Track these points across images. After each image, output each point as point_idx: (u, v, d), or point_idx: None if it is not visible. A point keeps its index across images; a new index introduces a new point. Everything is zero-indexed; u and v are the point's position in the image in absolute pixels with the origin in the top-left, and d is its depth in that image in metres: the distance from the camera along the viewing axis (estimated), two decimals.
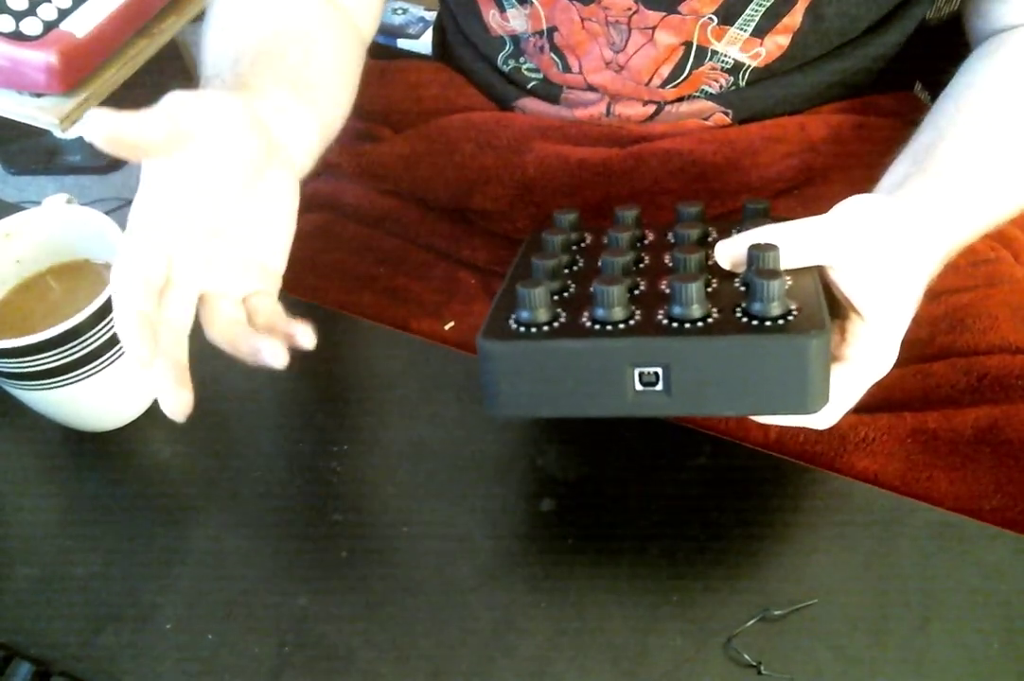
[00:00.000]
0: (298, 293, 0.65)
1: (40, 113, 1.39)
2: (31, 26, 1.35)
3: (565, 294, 0.47)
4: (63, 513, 0.56)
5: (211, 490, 0.55)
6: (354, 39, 0.68)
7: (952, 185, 0.53)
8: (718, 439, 0.55)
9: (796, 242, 0.46)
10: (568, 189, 0.70)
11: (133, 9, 1.41)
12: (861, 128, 0.70)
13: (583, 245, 0.54)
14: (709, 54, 0.66)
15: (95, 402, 0.55)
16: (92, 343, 0.51)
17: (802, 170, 0.69)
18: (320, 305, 0.63)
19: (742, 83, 0.68)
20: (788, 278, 0.45)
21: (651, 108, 0.70)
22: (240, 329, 0.46)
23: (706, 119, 0.70)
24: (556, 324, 0.44)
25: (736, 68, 0.67)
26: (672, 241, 0.51)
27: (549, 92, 0.73)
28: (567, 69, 0.70)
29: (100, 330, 0.51)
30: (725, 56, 0.66)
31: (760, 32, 0.64)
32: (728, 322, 0.42)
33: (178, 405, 0.43)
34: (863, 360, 0.48)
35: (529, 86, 0.74)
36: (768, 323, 0.42)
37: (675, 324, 0.43)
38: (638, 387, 0.43)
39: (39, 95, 1.40)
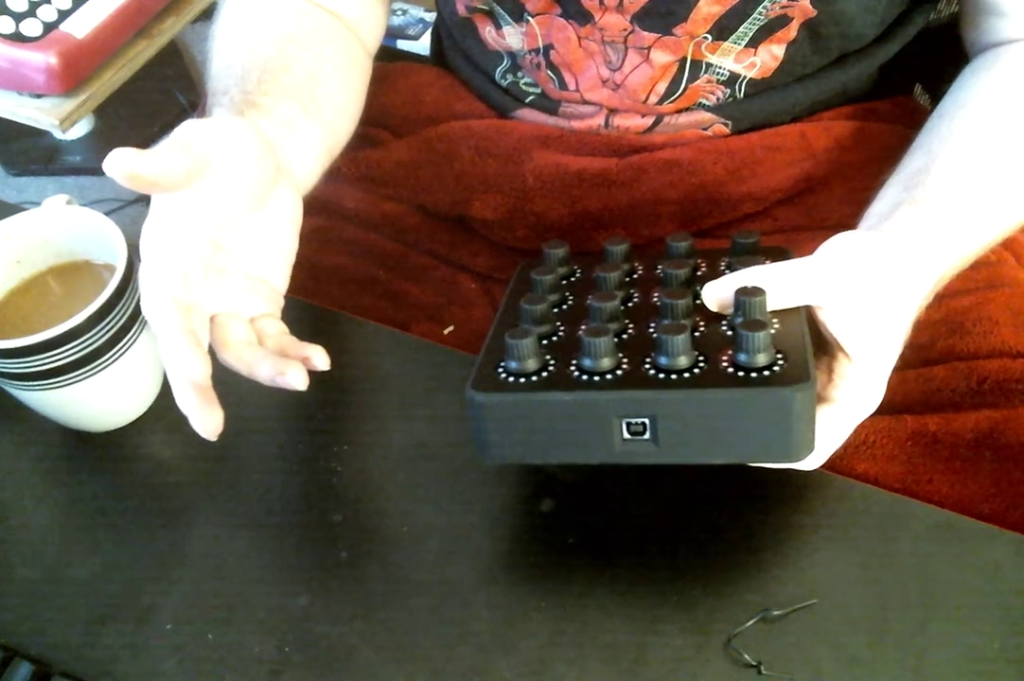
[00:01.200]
0: (297, 293, 0.64)
1: (40, 114, 1.39)
2: (31, 27, 1.35)
3: (554, 338, 0.48)
4: (63, 513, 0.56)
5: (211, 490, 0.55)
6: (359, 52, 0.68)
7: (941, 216, 0.53)
8: None
9: (782, 284, 0.46)
10: (567, 199, 0.70)
11: (133, 10, 1.42)
12: (861, 135, 0.70)
13: (573, 280, 0.54)
14: (704, 67, 0.66)
15: (95, 402, 0.55)
16: (92, 344, 0.51)
17: (802, 179, 0.69)
18: (319, 305, 0.63)
19: (740, 95, 0.68)
20: (775, 322, 0.45)
21: (650, 120, 0.70)
22: (255, 352, 0.47)
23: (705, 130, 0.70)
24: (544, 374, 0.45)
25: (732, 80, 0.67)
26: (661, 277, 0.51)
27: (547, 106, 0.73)
28: (564, 86, 0.70)
29: (100, 331, 0.51)
30: (720, 68, 0.66)
31: (754, 43, 0.64)
32: (714, 373, 0.43)
33: (210, 424, 0.44)
34: (849, 400, 0.48)
35: (527, 100, 0.73)
36: (753, 375, 0.42)
37: (661, 375, 0.43)
38: (626, 436, 0.44)
39: (39, 96, 1.40)
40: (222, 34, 0.64)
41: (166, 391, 0.59)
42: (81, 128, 1.85)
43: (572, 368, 0.44)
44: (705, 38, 0.63)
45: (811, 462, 0.50)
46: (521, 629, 0.48)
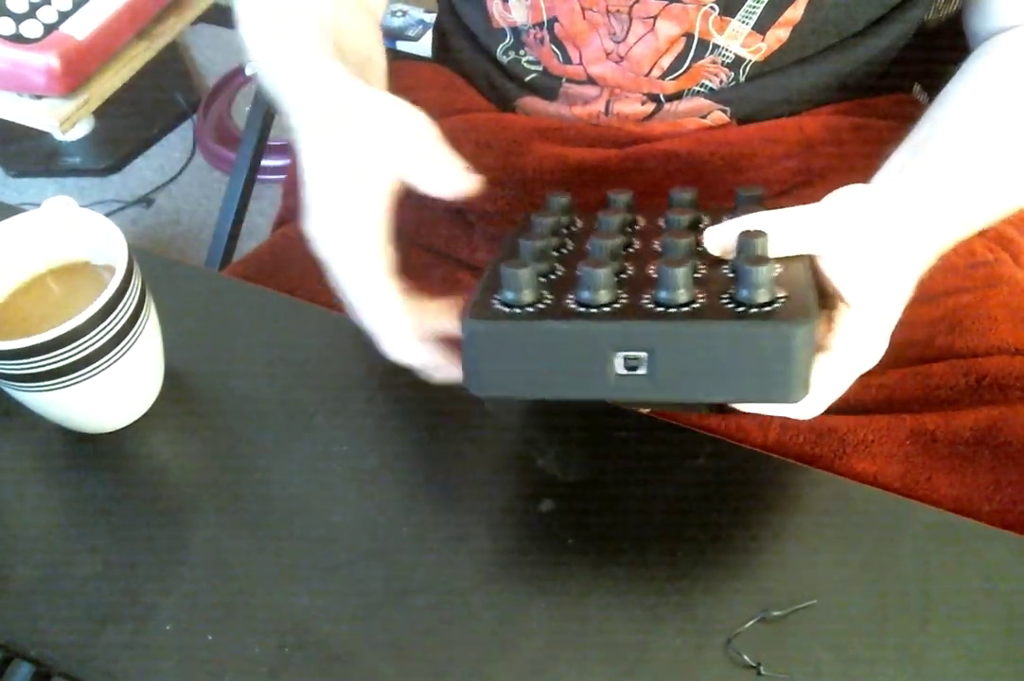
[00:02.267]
0: (298, 293, 0.65)
1: (40, 115, 1.39)
2: (31, 28, 1.35)
3: (552, 276, 0.47)
4: (63, 513, 0.56)
5: (211, 490, 0.55)
6: (372, 21, 0.69)
7: (948, 176, 0.53)
8: (718, 440, 0.55)
9: (786, 229, 0.46)
10: (567, 190, 0.70)
11: (133, 11, 1.42)
12: (860, 130, 0.70)
13: (573, 229, 0.54)
14: (710, 48, 0.66)
15: (95, 404, 0.55)
16: (92, 345, 0.51)
17: (800, 171, 0.69)
18: (319, 305, 0.63)
19: (742, 78, 0.68)
20: (777, 266, 0.45)
21: (650, 107, 0.70)
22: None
23: (704, 117, 0.71)
24: (541, 305, 0.44)
25: (737, 63, 0.67)
26: (663, 226, 0.51)
27: (547, 85, 0.73)
28: (567, 60, 0.70)
29: (100, 332, 0.51)
30: (726, 50, 0.66)
31: (762, 27, 0.65)
32: (714, 308, 0.42)
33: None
34: (848, 350, 0.48)
35: (528, 78, 0.74)
36: (754, 310, 0.41)
37: (660, 308, 0.42)
38: (621, 371, 0.42)
39: (39, 97, 1.40)
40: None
41: (166, 391, 0.59)
42: (81, 129, 1.85)
43: (569, 301, 0.44)
44: (713, 8, 0.64)
45: (807, 410, 0.49)
46: (521, 629, 0.48)
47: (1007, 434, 0.57)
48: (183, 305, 0.63)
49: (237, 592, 0.51)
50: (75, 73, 1.37)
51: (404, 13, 1.65)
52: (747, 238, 0.44)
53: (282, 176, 0.94)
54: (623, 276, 0.46)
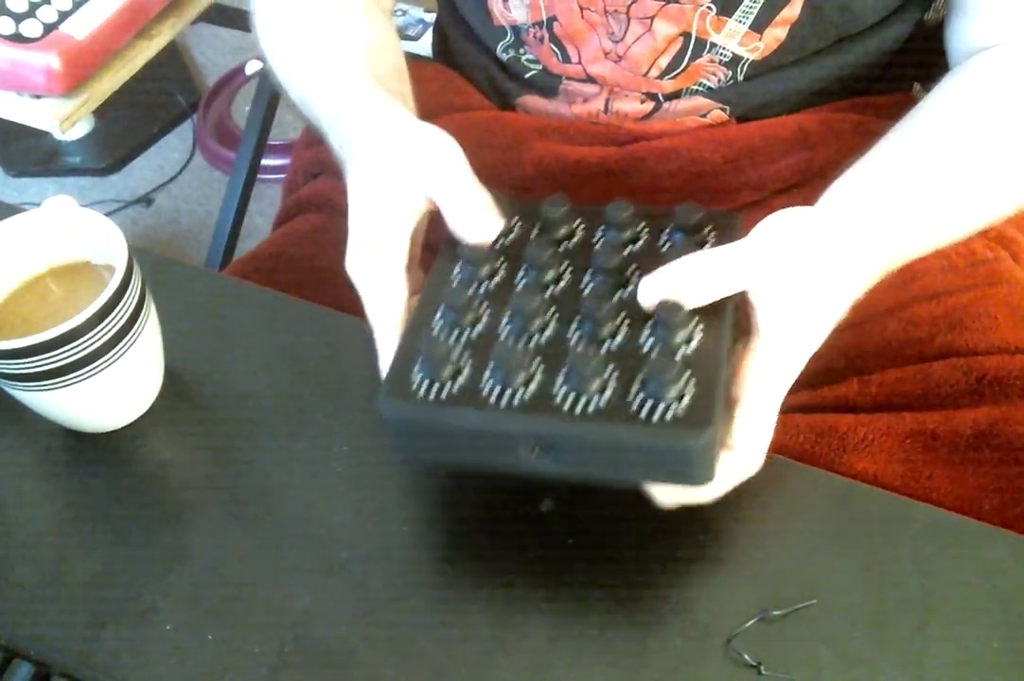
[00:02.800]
0: (297, 293, 0.65)
1: (40, 115, 1.39)
2: (31, 28, 1.34)
3: (473, 331, 0.47)
4: (63, 513, 0.56)
5: (211, 490, 0.55)
6: (390, 23, 0.69)
7: (893, 200, 0.52)
8: None
9: (710, 277, 0.46)
10: (566, 188, 0.70)
11: (133, 11, 1.41)
12: (859, 128, 0.70)
13: (510, 241, 0.51)
14: (708, 46, 0.66)
15: (95, 403, 0.55)
16: (92, 344, 0.51)
17: (800, 169, 0.69)
18: (319, 305, 0.63)
19: (740, 77, 0.68)
20: (699, 328, 0.45)
21: (649, 105, 0.70)
22: None
23: (704, 116, 0.70)
24: (457, 382, 0.44)
25: (735, 62, 0.67)
26: (598, 248, 0.50)
27: (547, 83, 0.73)
28: (567, 59, 0.70)
29: (100, 331, 0.51)
30: (724, 49, 0.66)
31: (759, 26, 0.64)
32: (619, 405, 0.43)
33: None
34: (751, 445, 0.47)
35: (527, 76, 0.74)
36: (660, 409, 0.42)
37: (571, 398, 0.43)
38: (530, 455, 0.44)
39: (39, 97, 1.40)
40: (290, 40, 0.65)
41: (166, 391, 0.59)
42: (81, 129, 1.85)
43: (485, 376, 0.44)
44: (710, 8, 0.64)
45: (712, 493, 0.48)
46: (521, 629, 0.48)
47: (1007, 433, 0.57)
48: (183, 305, 0.63)
49: (237, 592, 0.51)
50: (75, 73, 1.36)
51: (404, 12, 1.65)
52: (665, 314, 0.44)
53: (282, 176, 0.94)
54: (545, 333, 0.46)
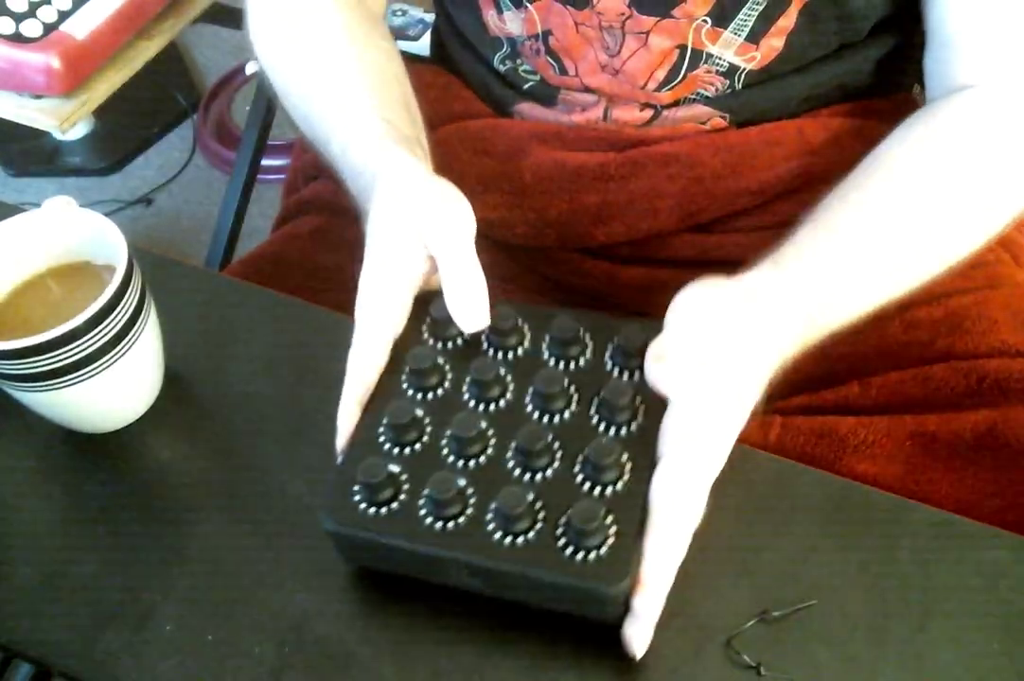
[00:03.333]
0: (297, 294, 0.65)
1: (40, 115, 1.39)
2: (31, 28, 1.34)
3: (414, 448, 0.49)
4: (63, 513, 0.56)
5: (211, 490, 0.55)
6: (383, 34, 0.70)
7: (826, 268, 0.52)
8: None
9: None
10: (565, 194, 0.70)
11: (133, 11, 1.41)
12: (860, 132, 0.70)
13: (455, 347, 0.53)
14: (704, 57, 0.66)
15: (95, 403, 0.55)
16: (92, 345, 0.51)
17: (800, 174, 0.69)
18: (319, 305, 0.63)
19: (738, 86, 0.68)
20: (623, 475, 0.46)
21: (648, 113, 0.70)
22: None
23: (703, 123, 0.70)
24: (393, 506, 0.47)
25: (731, 71, 0.67)
26: (542, 358, 0.51)
27: (546, 93, 0.73)
28: (563, 72, 0.70)
29: (100, 332, 0.51)
30: (720, 59, 0.66)
31: (755, 36, 0.64)
32: (545, 546, 0.45)
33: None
34: (663, 582, 0.46)
35: (526, 87, 0.73)
36: (581, 553, 0.44)
37: (499, 533, 0.46)
38: (463, 576, 0.47)
39: (39, 97, 1.40)
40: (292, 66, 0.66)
41: (166, 391, 0.59)
42: (81, 129, 1.85)
43: (420, 503, 0.47)
44: (705, 21, 0.63)
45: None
46: (521, 629, 0.48)
47: (1007, 435, 0.57)
48: (183, 305, 0.63)
49: (237, 592, 0.51)
50: (75, 73, 1.36)
51: (404, 12, 1.65)
52: (595, 455, 0.46)
53: (282, 176, 0.94)
54: (483, 457, 0.48)
